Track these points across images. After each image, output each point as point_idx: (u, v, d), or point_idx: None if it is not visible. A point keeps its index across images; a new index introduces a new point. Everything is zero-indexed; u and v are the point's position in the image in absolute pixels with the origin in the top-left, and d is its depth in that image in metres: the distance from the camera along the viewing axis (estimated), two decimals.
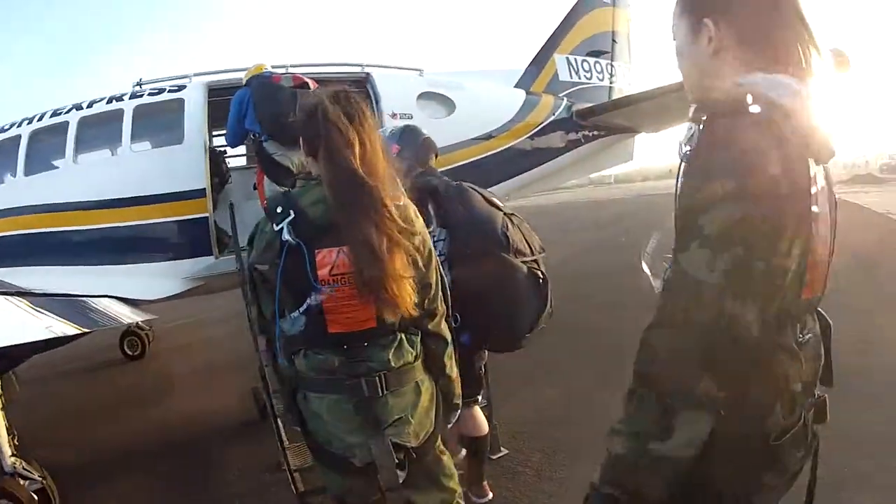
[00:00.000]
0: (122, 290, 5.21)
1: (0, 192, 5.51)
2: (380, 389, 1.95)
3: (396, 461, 1.98)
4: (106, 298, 5.04)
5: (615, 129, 7.73)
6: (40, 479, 3.68)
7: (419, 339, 2.10)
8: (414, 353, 2.06)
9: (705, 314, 1.09)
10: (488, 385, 4.05)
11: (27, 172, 5.53)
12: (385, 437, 1.96)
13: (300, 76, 5.06)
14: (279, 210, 1.92)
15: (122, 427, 5.64)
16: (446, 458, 2.22)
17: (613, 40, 8.32)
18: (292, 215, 1.90)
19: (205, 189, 5.37)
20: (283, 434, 4.04)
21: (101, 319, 4.66)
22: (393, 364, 1.99)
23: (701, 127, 1.16)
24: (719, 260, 1.07)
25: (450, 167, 5.72)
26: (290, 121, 4.57)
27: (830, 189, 1.28)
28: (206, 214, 5.38)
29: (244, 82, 5.17)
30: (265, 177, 5.09)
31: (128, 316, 5.01)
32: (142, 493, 4.26)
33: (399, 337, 2.02)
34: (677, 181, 1.19)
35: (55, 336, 3.78)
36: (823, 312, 1.37)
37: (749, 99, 1.14)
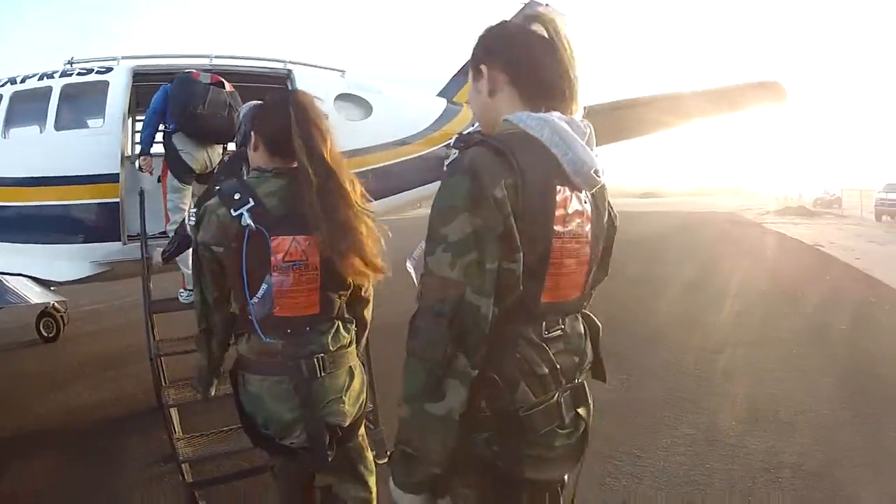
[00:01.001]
0: (32, 269, 5.16)
1: None
2: (318, 371, 2.09)
3: (327, 440, 2.12)
4: (19, 277, 5.00)
5: None
6: None
7: (353, 327, 2.29)
8: (349, 339, 2.24)
9: (450, 305, 1.32)
10: (373, 388, 4.09)
11: None
12: (320, 417, 2.10)
13: (217, 76, 5.07)
14: (237, 196, 2.04)
15: (27, 409, 5.57)
16: (369, 454, 2.39)
17: None
18: (251, 203, 2.03)
19: (118, 174, 5.33)
20: (173, 425, 4.06)
21: (9, 297, 4.68)
22: (331, 347, 2.14)
23: (457, 154, 1.41)
24: (459, 261, 1.31)
25: (361, 169, 5.63)
26: (197, 112, 4.70)
27: (600, 212, 1.52)
28: (117, 199, 5.34)
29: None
30: (169, 171, 5.09)
31: (36, 296, 4.97)
32: (41, 477, 4.22)
33: (337, 324, 2.20)
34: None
35: None
36: (593, 317, 1.62)
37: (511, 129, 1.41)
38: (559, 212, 1.38)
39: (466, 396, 1.34)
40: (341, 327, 2.22)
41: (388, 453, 3.95)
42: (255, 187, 2.09)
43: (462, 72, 7.52)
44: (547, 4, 8.25)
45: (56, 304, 7.63)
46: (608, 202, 1.56)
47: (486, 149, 1.36)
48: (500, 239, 1.32)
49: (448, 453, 1.37)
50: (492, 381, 1.37)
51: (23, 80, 5.75)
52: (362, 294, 2.32)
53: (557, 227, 1.38)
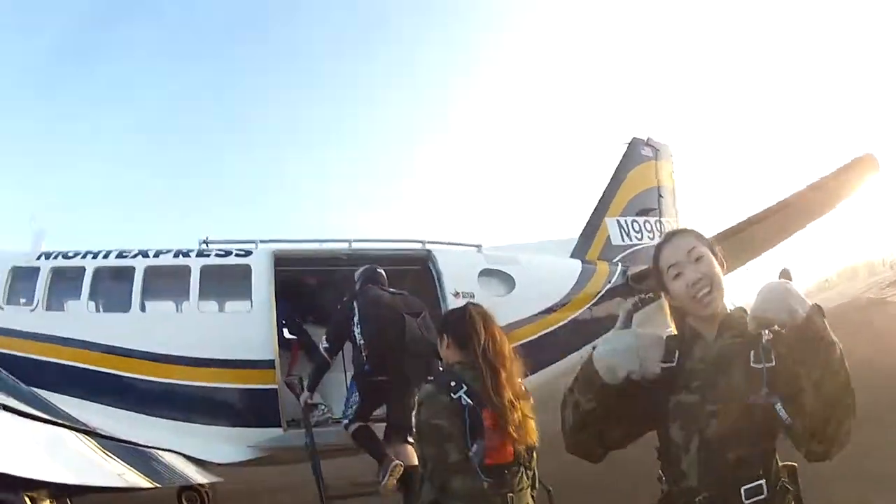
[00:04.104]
0: (187, 447, 5.26)
1: (63, 318, 5.66)
2: None
3: None
4: (171, 453, 5.07)
5: None
6: None
7: (530, 474, 2.87)
8: (528, 482, 2.84)
9: None
10: None
11: (91, 308, 5.74)
12: None
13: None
14: (453, 384, 2.72)
15: None
16: None
17: (659, 195, 8.39)
18: (465, 388, 2.70)
19: (273, 360, 5.47)
20: None
21: (169, 475, 4.73)
22: (518, 488, 2.76)
23: None
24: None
25: (515, 344, 5.52)
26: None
27: None
28: (275, 385, 5.44)
29: None
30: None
31: (194, 475, 5.03)
32: None
33: (521, 469, 2.80)
34: None
35: (126, 485, 3.87)
36: None
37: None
38: None
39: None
40: (524, 472, 2.81)
41: None
42: (463, 376, 2.78)
43: (589, 230, 7.66)
44: (648, 140, 8.48)
45: None
46: None
47: None
48: None
49: None
50: None
51: (156, 255, 5.99)
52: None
53: None
